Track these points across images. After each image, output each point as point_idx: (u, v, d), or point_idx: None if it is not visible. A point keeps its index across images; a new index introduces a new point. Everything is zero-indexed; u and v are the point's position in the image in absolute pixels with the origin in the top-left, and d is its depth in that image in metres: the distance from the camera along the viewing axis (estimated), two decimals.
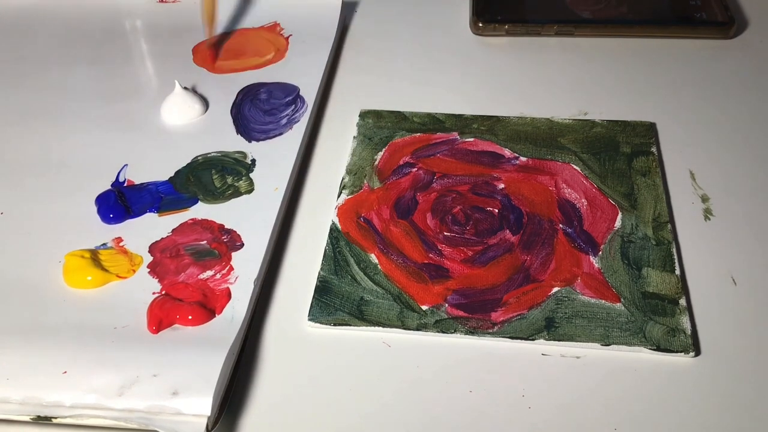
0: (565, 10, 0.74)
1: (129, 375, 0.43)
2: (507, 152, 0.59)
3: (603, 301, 0.48)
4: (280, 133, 0.61)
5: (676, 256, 0.50)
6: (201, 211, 0.55)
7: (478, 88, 0.67)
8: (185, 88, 0.64)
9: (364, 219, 0.54)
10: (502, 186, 0.56)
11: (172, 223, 0.54)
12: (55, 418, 0.42)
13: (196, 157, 0.59)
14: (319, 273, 0.51)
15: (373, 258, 0.52)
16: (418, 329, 0.47)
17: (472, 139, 0.60)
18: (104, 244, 0.53)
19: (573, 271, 0.50)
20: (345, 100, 0.66)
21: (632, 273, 0.50)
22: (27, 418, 0.42)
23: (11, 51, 0.73)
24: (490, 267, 0.51)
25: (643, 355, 0.46)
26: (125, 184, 0.57)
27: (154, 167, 0.59)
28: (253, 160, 0.59)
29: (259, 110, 0.64)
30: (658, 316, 0.47)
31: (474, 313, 0.48)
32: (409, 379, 0.45)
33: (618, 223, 0.53)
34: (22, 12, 0.78)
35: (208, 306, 0.48)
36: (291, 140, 0.60)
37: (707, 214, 0.54)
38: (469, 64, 0.70)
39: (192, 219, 0.54)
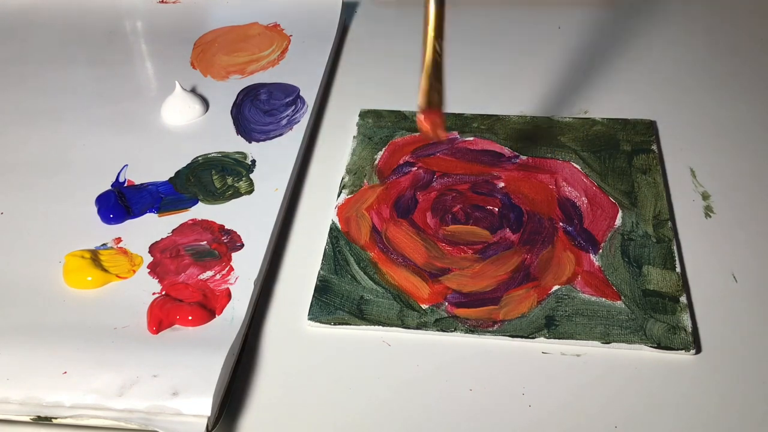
0: None
1: (129, 375, 0.43)
2: (507, 151, 0.59)
3: (603, 299, 0.48)
4: (281, 134, 0.61)
5: (676, 254, 0.50)
6: (201, 211, 0.55)
7: (477, 86, 0.67)
8: (185, 89, 0.64)
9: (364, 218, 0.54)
10: (502, 185, 0.56)
11: (172, 224, 0.54)
12: (55, 418, 0.42)
13: (197, 157, 0.59)
14: (319, 272, 0.51)
15: (373, 257, 0.52)
16: (418, 328, 0.47)
17: (472, 138, 0.60)
18: (104, 245, 0.53)
19: (573, 270, 0.50)
20: (345, 100, 0.66)
21: (633, 271, 0.50)
22: (27, 419, 0.42)
23: (11, 51, 0.73)
24: (490, 265, 0.51)
25: (643, 352, 0.46)
26: (125, 185, 0.57)
27: (155, 168, 0.59)
28: (253, 161, 0.59)
29: (259, 111, 0.64)
30: (659, 313, 0.47)
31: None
32: (409, 378, 0.45)
33: (618, 221, 0.53)
34: (22, 12, 0.78)
35: (208, 306, 0.48)
36: (291, 141, 0.60)
37: (708, 211, 0.54)
38: None
39: (192, 219, 0.54)
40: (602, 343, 0.46)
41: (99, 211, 0.55)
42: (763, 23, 0.73)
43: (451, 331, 0.47)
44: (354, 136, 0.61)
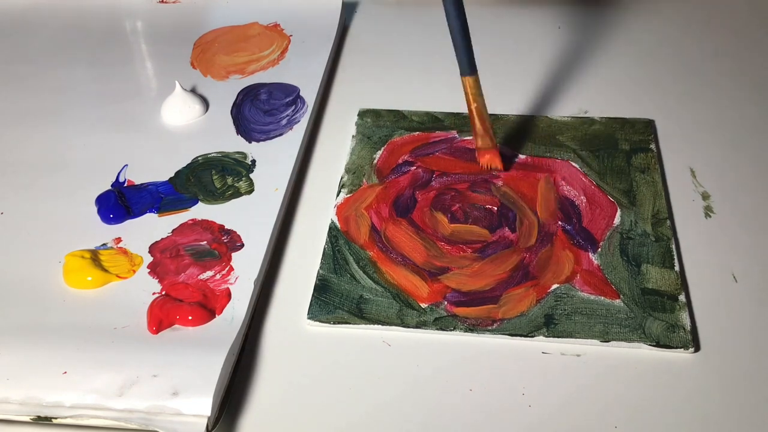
0: None
1: (129, 375, 0.43)
2: (506, 150, 0.59)
3: (602, 297, 0.48)
4: (281, 134, 0.61)
5: (675, 253, 0.50)
6: (201, 211, 0.55)
7: None
8: (185, 89, 0.64)
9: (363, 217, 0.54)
10: (501, 183, 0.56)
11: (172, 224, 0.54)
12: (55, 418, 0.42)
13: (197, 157, 0.60)
14: (318, 271, 0.51)
15: (372, 256, 0.52)
16: (417, 327, 0.47)
17: (471, 138, 0.60)
18: (104, 244, 0.53)
19: (572, 268, 0.50)
20: (345, 100, 0.66)
21: (631, 269, 0.50)
22: (27, 419, 0.42)
23: (11, 51, 0.73)
24: (490, 264, 0.51)
25: (642, 351, 0.46)
26: (125, 185, 0.57)
27: (155, 168, 0.59)
28: (253, 161, 0.59)
29: (259, 111, 0.64)
30: (658, 312, 0.47)
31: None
32: (409, 377, 0.45)
33: (617, 220, 0.53)
34: (22, 12, 0.78)
35: (208, 306, 0.48)
36: (291, 141, 0.61)
37: (708, 211, 0.54)
38: None
39: (192, 219, 0.54)
40: (601, 341, 0.46)
41: (99, 211, 0.55)
42: (763, 23, 0.73)
43: (451, 330, 0.47)
44: (353, 136, 0.61)
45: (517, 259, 0.51)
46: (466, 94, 0.55)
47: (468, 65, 0.55)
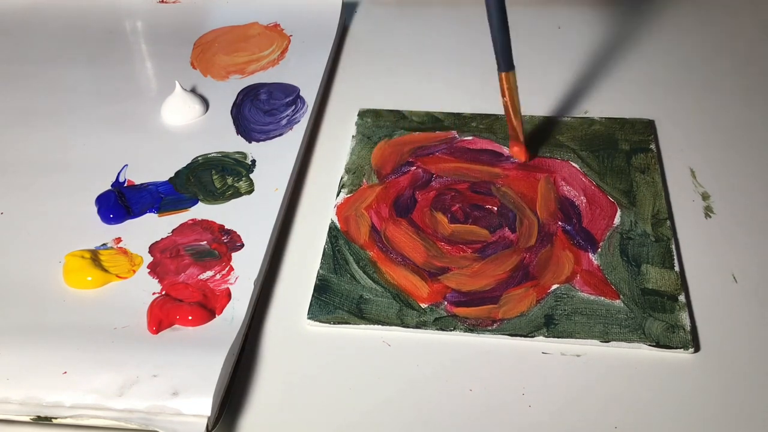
0: None
1: (129, 375, 0.43)
2: (506, 150, 0.59)
3: (602, 297, 0.48)
4: (281, 134, 0.61)
5: (675, 253, 0.50)
6: (201, 211, 0.55)
7: (476, 86, 0.67)
8: (185, 89, 0.64)
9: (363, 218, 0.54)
10: (501, 184, 0.56)
11: (172, 224, 0.54)
12: (55, 418, 0.42)
13: (197, 157, 0.60)
14: (318, 272, 0.51)
15: (372, 256, 0.52)
16: (417, 327, 0.47)
17: (471, 138, 0.60)
18: (104, 245, 0.53)
19: (572, 268, 0.50)
20: (345, 100, 0.66)
21: (631, 270, 0.50)
22: (27, 419, 0.42)
23: (11, 51, 0.73)
24: (490, 264, 0.51)
25: (642, 351, 0.46)
26: (125, 185, 0.57)
27: (155, 168, 0.59)
28: (253, 161, 0.59)
29: (259, 111, 0.64)
30: (658, 312, 0.47)
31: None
32: (409, 377, 0.45)
33: (617, 220, 0.53)
34: (22, 12, 0.78)
35: (208, 306, 0.48)
36: (291, 141, 0.61)
37: (708, 211, 0.54)
38: None
39: (192, 219, 0.54)
40: (601, 341, 0.46)
41: (99, 211, 0.55)
42: (763, 22, 0.73)
43: (451, 330, 0.47)
44: (353, 136, 0.61)
45: (517, 260, 0.51)
46: (503, 89, 0.56)
47: (506, 61, 0.56)
